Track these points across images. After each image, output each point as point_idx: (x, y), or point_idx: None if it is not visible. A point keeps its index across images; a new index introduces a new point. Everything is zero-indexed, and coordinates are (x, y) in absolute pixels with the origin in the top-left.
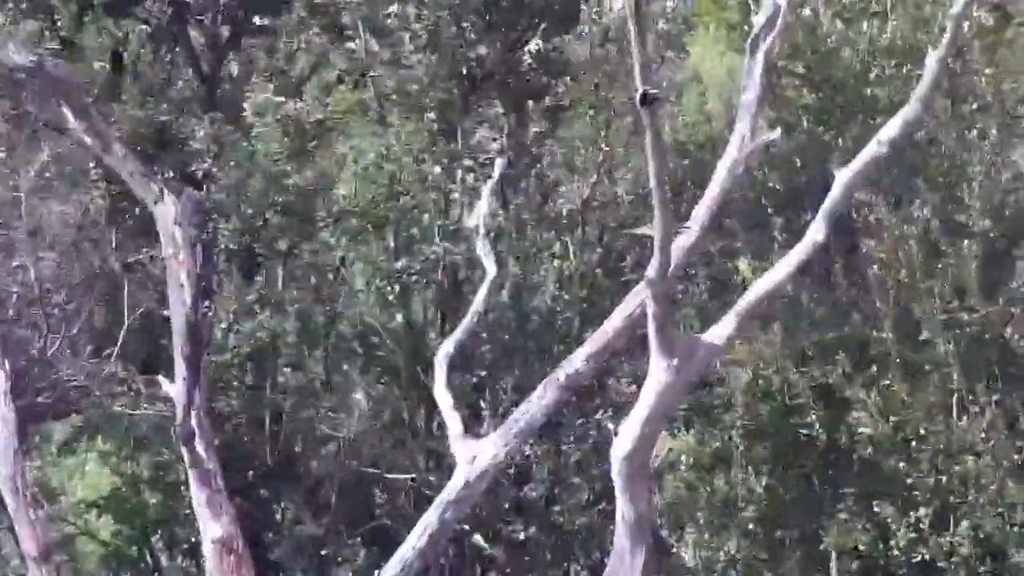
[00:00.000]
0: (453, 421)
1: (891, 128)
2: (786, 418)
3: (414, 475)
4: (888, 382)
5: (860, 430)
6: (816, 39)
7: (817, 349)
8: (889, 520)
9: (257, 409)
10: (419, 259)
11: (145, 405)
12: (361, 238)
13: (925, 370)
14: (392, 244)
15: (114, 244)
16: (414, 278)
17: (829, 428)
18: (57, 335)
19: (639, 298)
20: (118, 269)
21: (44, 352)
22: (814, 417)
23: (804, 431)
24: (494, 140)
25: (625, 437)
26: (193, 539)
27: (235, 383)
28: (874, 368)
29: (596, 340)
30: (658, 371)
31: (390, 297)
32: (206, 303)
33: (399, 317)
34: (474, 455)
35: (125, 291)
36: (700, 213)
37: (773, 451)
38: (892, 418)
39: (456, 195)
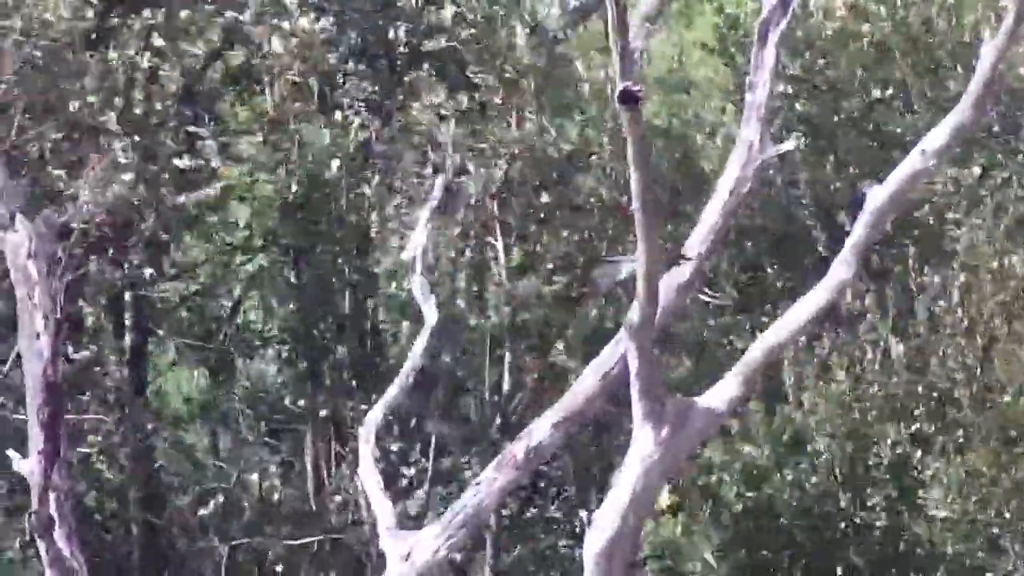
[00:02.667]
0: (383, 510)
1: (938, 136)
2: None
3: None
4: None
5: (933, 512)
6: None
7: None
8: None
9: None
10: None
11: None
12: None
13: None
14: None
15: None
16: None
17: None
18: None
19: (618, 351)
20: None
21: None
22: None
23: (862, 514)
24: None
25: (601, 528)
26: None
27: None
28: (958, 432)
29: (564, 405)
30: (643, 442)
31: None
32: (71, 354)
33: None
34: (408, 551)
35: None
36: (696, 241)
37: (812, 540)
38: (973, 497)
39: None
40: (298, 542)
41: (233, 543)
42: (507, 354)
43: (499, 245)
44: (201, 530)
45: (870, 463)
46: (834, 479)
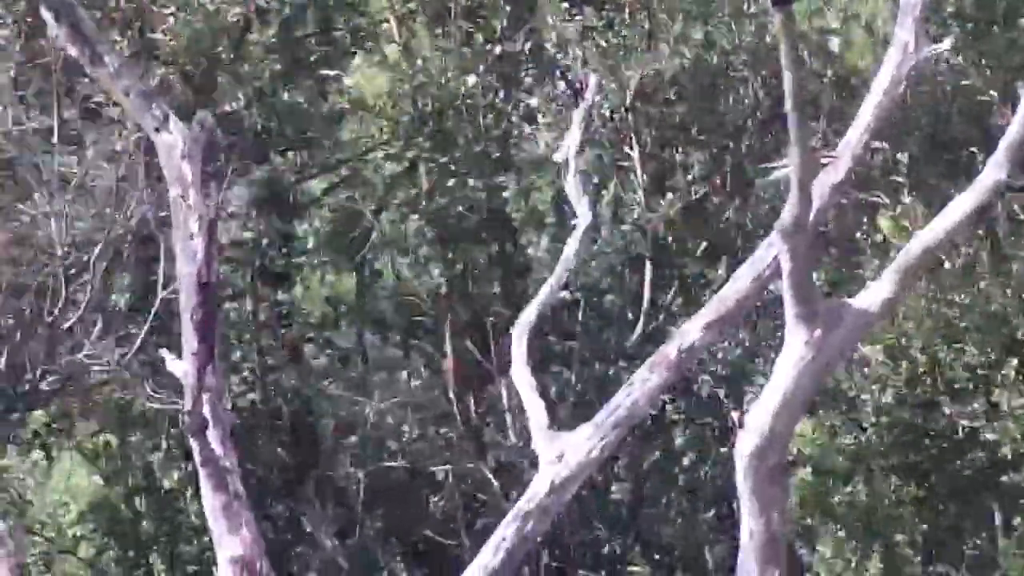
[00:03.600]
0: (535, 409)
1: None
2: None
3: (470, 469)
4: None
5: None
6: None
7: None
8: None
9: (276, 396)
10: (464, 199)
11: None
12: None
13: None
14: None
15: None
16: (463, 224)
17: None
18: (76, 305)
19: (771, 252)
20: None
21: (56, 325)
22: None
23: (965, 423)
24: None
25: (753, 429)
26: (203, 558)
27: (247, 363)
28: None
29: (716, 306)
30: (795, 345)
31: (427, 250)
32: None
33: (441, 275)
34: (562, 452)
35: (162, 252)
36: (851, 140)
37: (925, 453)
38: None
39: (515, 118)
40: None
41: (380, 465)
42: (647, 265)
43: (635, 156)
44: (347, 448)
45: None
46: (935, 388)
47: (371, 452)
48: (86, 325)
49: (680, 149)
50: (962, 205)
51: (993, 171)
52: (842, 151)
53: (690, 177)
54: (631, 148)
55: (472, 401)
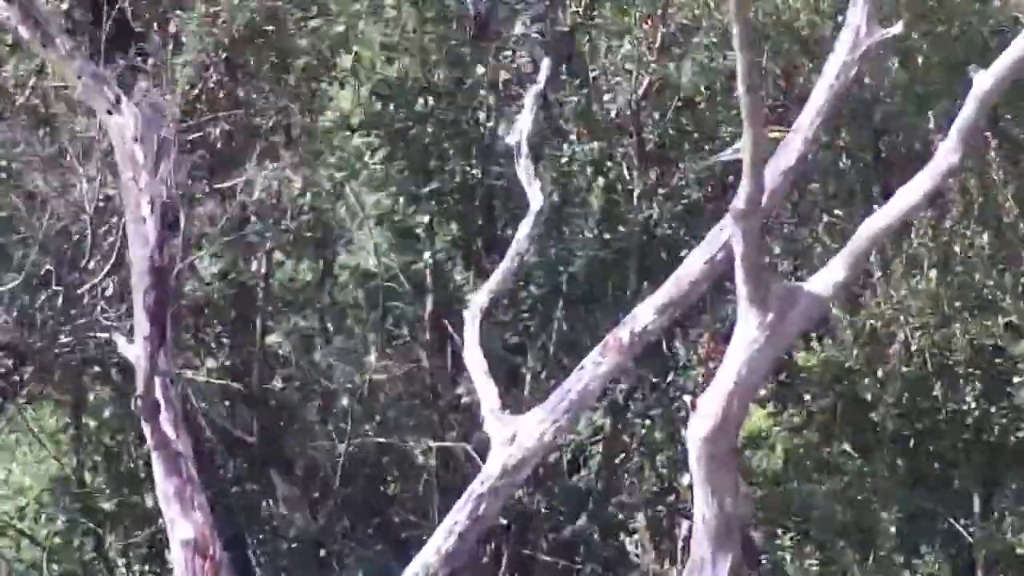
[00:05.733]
0: (487, 391)
1: None
2: (928, 388)
3: (439, 445)
4: None
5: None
6: None
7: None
8: None
9: (236, 373)
10: (446, 182)
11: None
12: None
13: None
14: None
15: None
16: (438, 206)
17: (985, 402)
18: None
19: (724, 235)
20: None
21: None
22: (972, 386)
23: (953, 405)
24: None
25: (705, 413)
26: (157, 540)
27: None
28: None
29: (668, 289)
30: (747, 328)
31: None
32: (175, 240)
33: (422, 256)
34: (514, 434)
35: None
36: (804, 122)
37: (912, 431)
38: None
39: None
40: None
41: (346, 442)
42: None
43: (633, 153)
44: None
45: (960, 356)
46: (926, 370)
47: (342, 430)
48: (101, 289)
49: (680, 152)
50: (915, 190)
51: (945, 156)
52: (794, 136)
53: (684, 182)
54: (632, 146)
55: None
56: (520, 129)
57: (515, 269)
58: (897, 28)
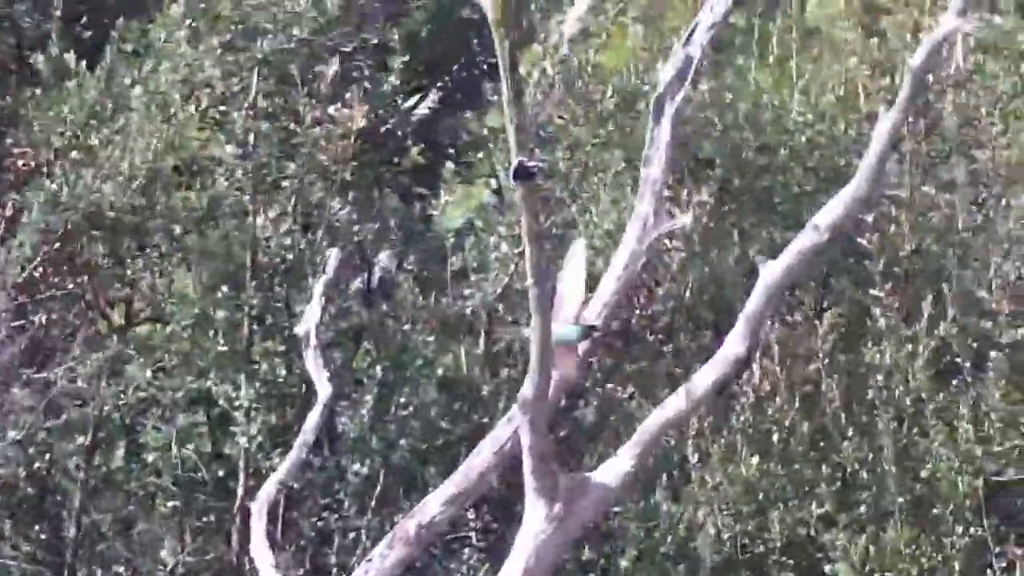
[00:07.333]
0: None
1: (832, 210)
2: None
3: None
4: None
5: None
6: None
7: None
8: None
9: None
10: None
11: None
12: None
13: (933, 513)
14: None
15: None
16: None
17: None
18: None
19: (512, 426)
20: None
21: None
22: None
23: None
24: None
25: None
26: None
27: None
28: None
29: (457, 481)
30: (536, 518)
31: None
32: None
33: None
34: None
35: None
36: (590, 316)
37: None
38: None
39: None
40: None
41: None
42: None
43: None
44: None
45: (774, 543)
46: (737, 558)
47: None
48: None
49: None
50: (703, 378)
51: (732, 345)
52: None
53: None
54: None
55: None
56: (309, 320)
57: (302, 459)
58: (685, 219)
